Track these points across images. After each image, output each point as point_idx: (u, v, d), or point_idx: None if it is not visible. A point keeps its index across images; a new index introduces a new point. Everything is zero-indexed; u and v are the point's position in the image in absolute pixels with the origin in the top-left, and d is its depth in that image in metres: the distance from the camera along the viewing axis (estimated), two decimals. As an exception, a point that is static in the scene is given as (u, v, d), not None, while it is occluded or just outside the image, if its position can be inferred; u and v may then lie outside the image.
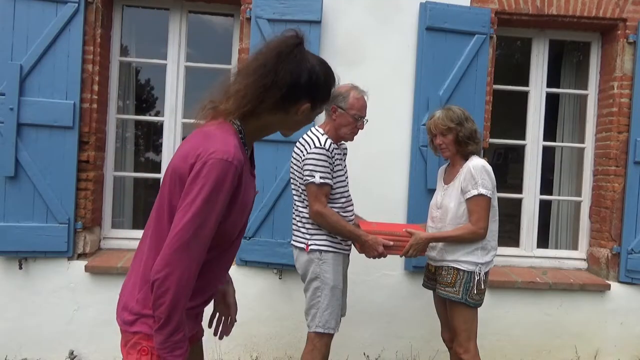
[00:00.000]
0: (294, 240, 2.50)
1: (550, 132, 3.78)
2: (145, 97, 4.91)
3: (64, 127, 3.05)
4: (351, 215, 2.52)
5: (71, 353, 3.10)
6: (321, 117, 2.57)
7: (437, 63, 3.23)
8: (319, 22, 3.16)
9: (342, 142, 2.53)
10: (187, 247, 1.18)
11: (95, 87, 3.17)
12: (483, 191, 2.31)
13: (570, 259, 3.64)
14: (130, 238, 3.44)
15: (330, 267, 2.38)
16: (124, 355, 1.30)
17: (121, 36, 3.50)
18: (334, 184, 2.39)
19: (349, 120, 2.41)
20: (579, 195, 3.70)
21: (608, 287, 3.33)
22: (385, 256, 2.43)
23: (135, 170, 3.85)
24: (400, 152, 3.29)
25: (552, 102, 3.80)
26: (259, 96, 1.27)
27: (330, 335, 2.43)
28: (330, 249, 2.39)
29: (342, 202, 2.44)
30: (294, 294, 3.23)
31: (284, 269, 3.19)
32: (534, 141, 3.61)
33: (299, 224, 2.46)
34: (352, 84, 2.50)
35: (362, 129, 2.50)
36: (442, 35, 3.24)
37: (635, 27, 3.34)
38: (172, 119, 3.46)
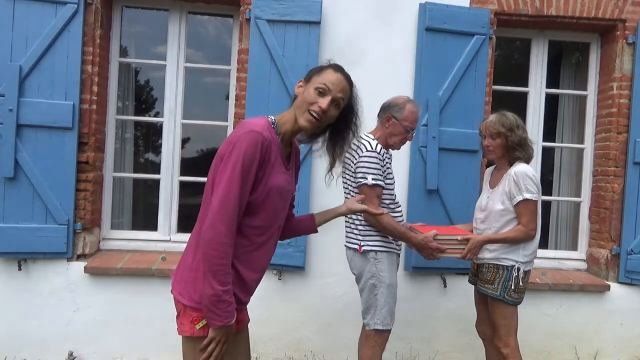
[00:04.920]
0: (347, 242, 2.57)
1: (549, 132, 3.78)
2: (145, 98, 4.91)
3: (63, 128, 3.04)
4: (400, 216, 2.57)
5: (70, 354, 3.10)
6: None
7: (436, 64, 3.23)
8: (318, 23, 3.16)
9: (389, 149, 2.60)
10: (226, 206, 1.40)
11: (95, 88, 3.16)
12: (528, 196, 2.39)
13: (570, 259, 3.64)
14: (129, 239, 3.44)
15: (385, 266, 2.44)
16: (178, 325, 1.53)
17: (120, 37, 3.50)
18: (385, 185, 2.45)
19: (401, 131, 2.50)
20: (579, 195, 3.71)
21: (607, 287, 3.34)
22: (438, 258, 2.48)
23: (135, 171, 3.85)
24: (400, 152, 3.27)
25: (552, 103, 3.80)
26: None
27: (389, 331, 2.49)
28: (384, 248, 2.45)
29: (388, 204, 2.50)
30: (294, 295, 3.23)
31: (284, 269, 3.19)
32: (533, 142, 3.60)
33: (352, 225, 2.52)
34: (409, 97, 2.64)
35: (410, 140, 2.61)
36: (441, 35, 3.24)
37: (634, 27, 3.35)
38: (171, 119, 3.46)
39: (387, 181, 2.47)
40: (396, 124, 2.49)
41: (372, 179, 2.37)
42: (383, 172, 2.42)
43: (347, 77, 1.59)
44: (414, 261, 3.18)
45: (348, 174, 2.50)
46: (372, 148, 2.41)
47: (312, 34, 3.15)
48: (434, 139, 3.20)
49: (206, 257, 1.40)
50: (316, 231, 1.90)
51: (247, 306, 1.70)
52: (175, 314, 1.55)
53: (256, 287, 1.64)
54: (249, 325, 1.73)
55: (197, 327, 1.47)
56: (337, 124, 1.65)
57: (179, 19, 3.45)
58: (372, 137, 2.50)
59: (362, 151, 2.42)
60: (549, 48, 3.63)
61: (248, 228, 1.51)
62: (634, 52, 3.35)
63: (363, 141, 2.46)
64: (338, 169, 1.76)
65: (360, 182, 2.39)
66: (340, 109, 1.60)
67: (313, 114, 1.52)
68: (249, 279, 1.56)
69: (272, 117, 1.57)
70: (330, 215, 1.91)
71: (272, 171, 1.49)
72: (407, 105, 2.51)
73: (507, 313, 2.45)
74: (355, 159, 2.43)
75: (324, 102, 1.52)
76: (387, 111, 2.52)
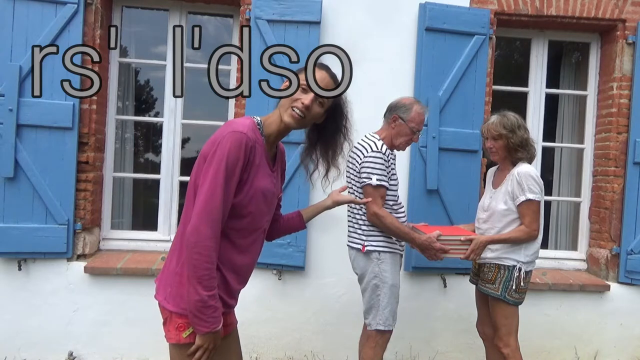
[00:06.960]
0: (349, 242, 2.57)
1: (549, 132, 3.78)
2: (145, 98, 4.91)
3: (63, 128, 3.04)
4: (403, 216, 2.57)
5: (70, 354, 3.10)
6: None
7: (436, 64, 3.23)
8: (318, 23, 3.16)
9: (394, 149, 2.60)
10: (210, 208, 1.37)
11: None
12: (531, 196, 2.39)
13: (570, 259, 3.64)
14: (129, 239, 3.44)
15: (388, 266, 2.45)
16: (165, 332, 1.50)
17: (121, 37, 3.50)
18: (389, 186, 2.45)
19: (407, 132, 2.50)
20: (579, 195, 3.71)
21: (607, 287, 3.34)
22: (441, 259, 2.47)
23: (135, 171, 3.84)
24: (400, 152, 3.29)
25: (552, 103, 3.80)
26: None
27: (390, 331, 2.50)
28: (387, 249, 2.46)
29: (391, 204, 2.50)
30: (294, 295, 3.23)
31: (284, 269, 3.19)
32: (535, 141, 3.60)
33: (355, 225, 2.52)
34: (415, 98, 2.64)
35: (416, 141, 2.61)
36: (441, 35, 3.24)
37: (634, 27, 3.35)
38: (171, 119, 3.45)
39: (391, 182, 2.47)
40: (402, 124, 2.49)
41: (377, 180, 2.37)
42: (387, 173, 2.42)
43: (332, 76, 1.58)
44: (414, 261, 3.18)
45: (352, 174, 2.50)
46: (377, 148, 2.41)
47: (312, 34, 3.15)
48: (434, 139, 3.20)
49: (190, 261, 1.37)
50: (305, 227, 1.91)
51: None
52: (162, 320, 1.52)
53: (241, 289, 1.61)
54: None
55: (184, 335, 1.45)
56: (327, 127, 1.65)
57: (179, 18, 3.45)
58: (378, 137, 2.49)
59: (367, 151, 2.41)
60: (549, 48, 3.63)
61: (232, 231, 1.49)
62: (634, 52, 3.35)
63: (368, 141, 2.46)
64: (333, 173, 1.76)
65: (365, 182, 2.39)
66: (326, 108, 1.59)
67: (296, 110, 1.52)
68: (234, 283, 1.53)
69: (258, 118, 1.57)
70: (317, 210, 1.92)
71: (257, 173, 1.48)
72: (414, 107, 2.50)
73: (508, 313, 2.46)
74: (360, 159, 2.43)
75: (307, 98, 1.52)
76: (394, 112, 2.51)
